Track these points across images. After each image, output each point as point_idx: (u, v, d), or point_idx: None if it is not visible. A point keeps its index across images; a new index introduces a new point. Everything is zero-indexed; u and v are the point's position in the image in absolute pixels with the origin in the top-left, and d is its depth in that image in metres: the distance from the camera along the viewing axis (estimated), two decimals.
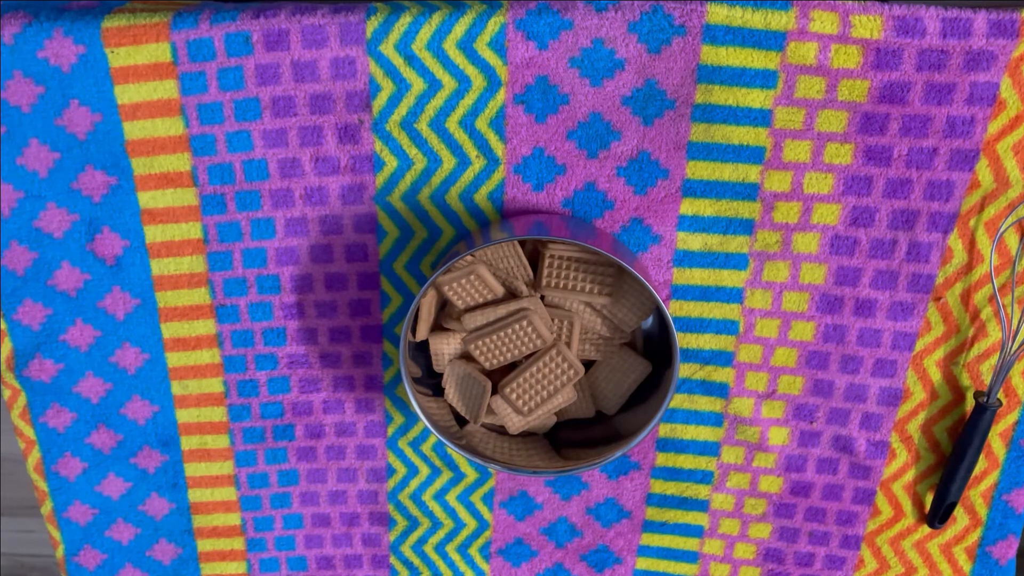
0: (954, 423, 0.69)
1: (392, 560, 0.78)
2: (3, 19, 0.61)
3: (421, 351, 0.69)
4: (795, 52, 0.59)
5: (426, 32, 0.60)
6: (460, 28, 0.60)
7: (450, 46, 0.61)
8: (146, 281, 0.68)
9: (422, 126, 0.63)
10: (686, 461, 0.73)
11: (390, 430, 0.73)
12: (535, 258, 0.65)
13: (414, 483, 0.75)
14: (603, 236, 0.63)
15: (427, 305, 0.65)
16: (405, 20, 0.60)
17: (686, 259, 0.66)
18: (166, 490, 0.75)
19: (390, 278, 0.68)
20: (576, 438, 0.69)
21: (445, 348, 0.67)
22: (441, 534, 0.77)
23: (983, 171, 0.61)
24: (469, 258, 0.63)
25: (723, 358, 0.69)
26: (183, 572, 0.78)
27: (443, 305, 0.67)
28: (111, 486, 0.75)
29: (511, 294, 0.65)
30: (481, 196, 0.65)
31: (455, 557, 0.78)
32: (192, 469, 0.74)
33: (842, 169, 0.62)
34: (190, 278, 0.68)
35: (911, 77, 0.59)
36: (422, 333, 0.66)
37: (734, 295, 0.67)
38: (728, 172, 0.63)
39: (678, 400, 0.71)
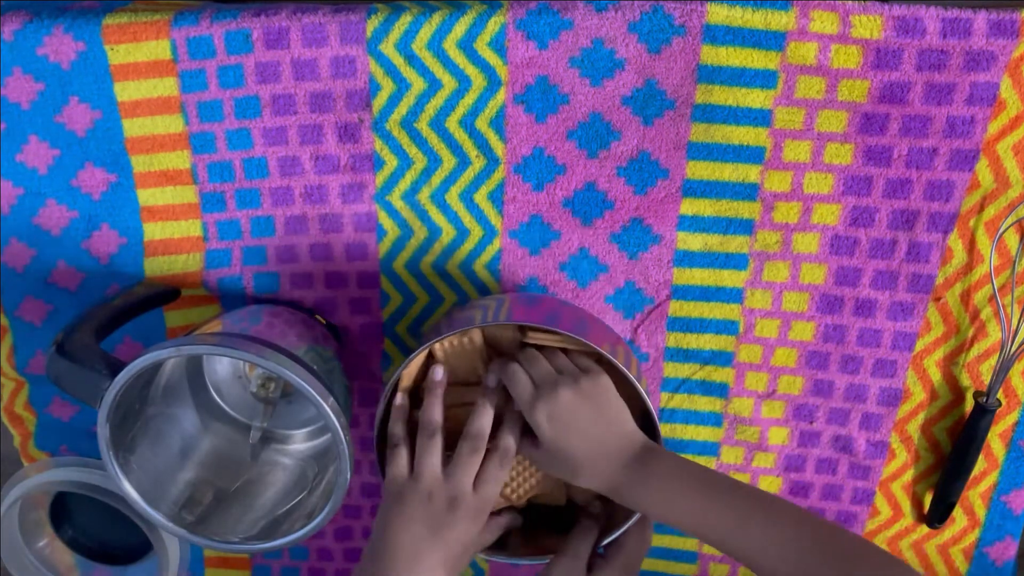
0: (954, 423, 0.69)
1: None
2: (3, 16, 0.61)
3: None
4: (795, 52, 0.59)
5: (426, 32, 0.60)
6: (460, 28, 0.60)
7: (450, 46, 0.61)
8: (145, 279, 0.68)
9: (422, 125, 0.63)
10: None
11: None
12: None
13: None
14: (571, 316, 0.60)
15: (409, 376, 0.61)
16: (405, 19, 0.60)
17: (686, 259, 0.66)
18: None
19: (390, 277, 0.68)
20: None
21: None
22: None
23: (983, 171, 0.61)
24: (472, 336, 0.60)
25: (723, 358, 0.69)
26: None
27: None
28: None
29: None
30: (481, 196, 0.65)
31: None
32: None
33: (842, 169, 0.62)
34: (190, 276, 0.68)
35: (911, 77, 0.59)
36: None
37: (734, 295, 0.67)
38: (728, 172, 0.63)
39: (678, 400, 0.71)
